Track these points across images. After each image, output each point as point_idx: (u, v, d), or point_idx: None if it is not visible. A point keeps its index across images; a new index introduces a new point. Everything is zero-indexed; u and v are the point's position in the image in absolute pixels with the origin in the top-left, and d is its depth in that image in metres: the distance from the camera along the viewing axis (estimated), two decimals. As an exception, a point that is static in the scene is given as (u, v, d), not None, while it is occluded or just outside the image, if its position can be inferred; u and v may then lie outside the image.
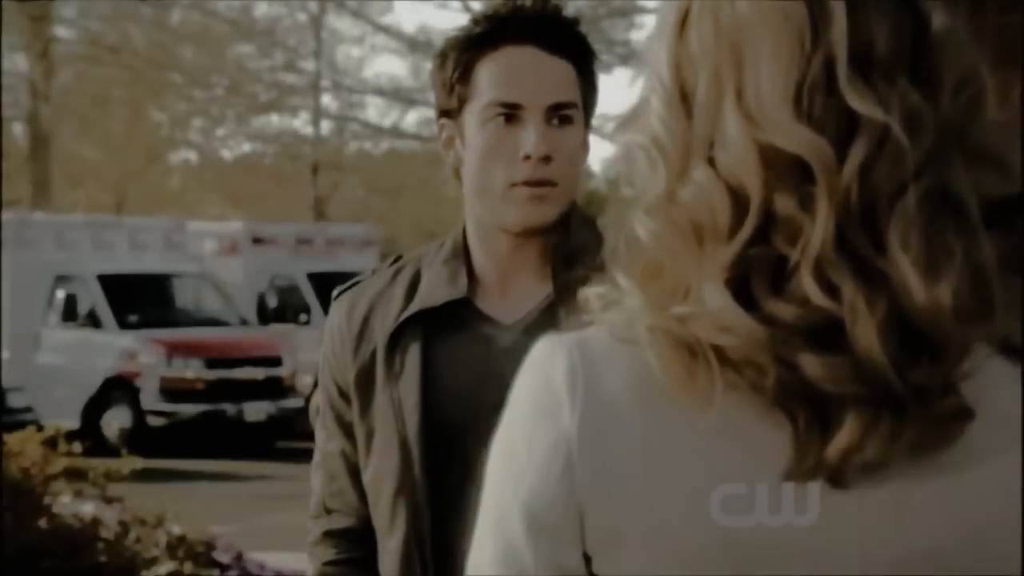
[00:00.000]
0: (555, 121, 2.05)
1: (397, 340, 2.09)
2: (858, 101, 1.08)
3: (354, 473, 2.15)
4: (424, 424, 2.06)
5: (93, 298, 17.01)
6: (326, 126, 32.32)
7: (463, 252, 2.13)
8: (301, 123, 32.66)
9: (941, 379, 1.07)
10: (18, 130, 28.17)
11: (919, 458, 1.08)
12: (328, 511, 2.20)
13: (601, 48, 23.92)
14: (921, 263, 1.06)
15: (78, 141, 31.30)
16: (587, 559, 1.12)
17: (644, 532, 1.10)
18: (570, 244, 2.07)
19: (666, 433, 1.10)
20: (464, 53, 2.08)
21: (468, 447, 2.00)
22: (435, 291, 2.10)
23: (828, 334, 1.06)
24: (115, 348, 16.55)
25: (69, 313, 17.15)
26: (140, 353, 16.40)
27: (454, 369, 2.08)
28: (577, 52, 2.11)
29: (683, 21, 1.15)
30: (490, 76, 2.06)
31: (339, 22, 31.64)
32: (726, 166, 1.10)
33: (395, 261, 2.21)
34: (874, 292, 1.06)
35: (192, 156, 34.09)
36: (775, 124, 1.08)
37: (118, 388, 16.36)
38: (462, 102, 2.08)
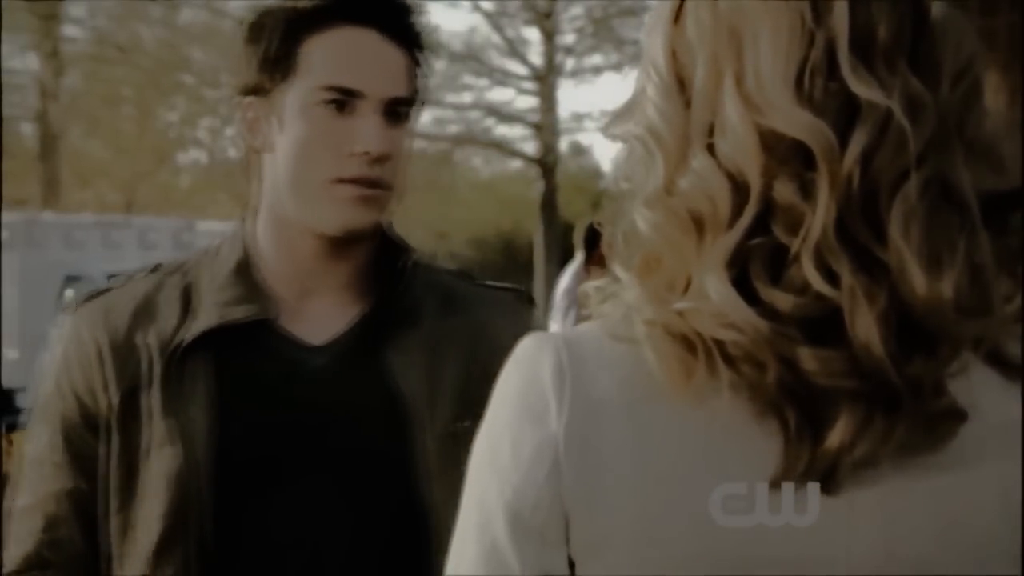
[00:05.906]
0: (391, 117, 1.81)
1: (183, 359, 1.79)
2: (861, 86, 1.06)
3: (87, 518, 1.82)
4: (217, 456, 1.75)
5: (102, 298, 17.03)
6: (335, 126, 32.41)
7: (250, 262, 1.87)
8: (310, 123, 32.74)
9: (934, 375, 1.05)
10: (27, 130, 28.28)
11: (909, 459, 1.07)
12: (43, 564, 1.84)
13: (611, 47, 24.00)
14: (923, 254, 1.05)
15: (87, 141, 31.42)
16: (572, 562, 1.10)
17: (633, 536, 1.08)
18: (398, 262, 1.87)
19: (659, 433, 1.08)
20: (289, 25, 1.81)
21: (266, 484, 1.77)
22: (231, 305, 1.82)
23: (825, 326, 1.04)
24: (123, 348, 16.56)
25: (78, 313, 17.19)
26: (148, 353, 16.42)
27: (252, 394, 1.79)
28: (417, 44, 1.85)
29: (678, 10, 1.14)
30: (325, 56, 1.79)
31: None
32: (726, 153, 1.08)
33: (153, 271, 1.93)
34: (874, 283, 1.04)
35: (202, 156, 34.18)
36: (776, 108, 1.06)
37: (126, 388, 16.38)
38: (280, 80, 1.82)
